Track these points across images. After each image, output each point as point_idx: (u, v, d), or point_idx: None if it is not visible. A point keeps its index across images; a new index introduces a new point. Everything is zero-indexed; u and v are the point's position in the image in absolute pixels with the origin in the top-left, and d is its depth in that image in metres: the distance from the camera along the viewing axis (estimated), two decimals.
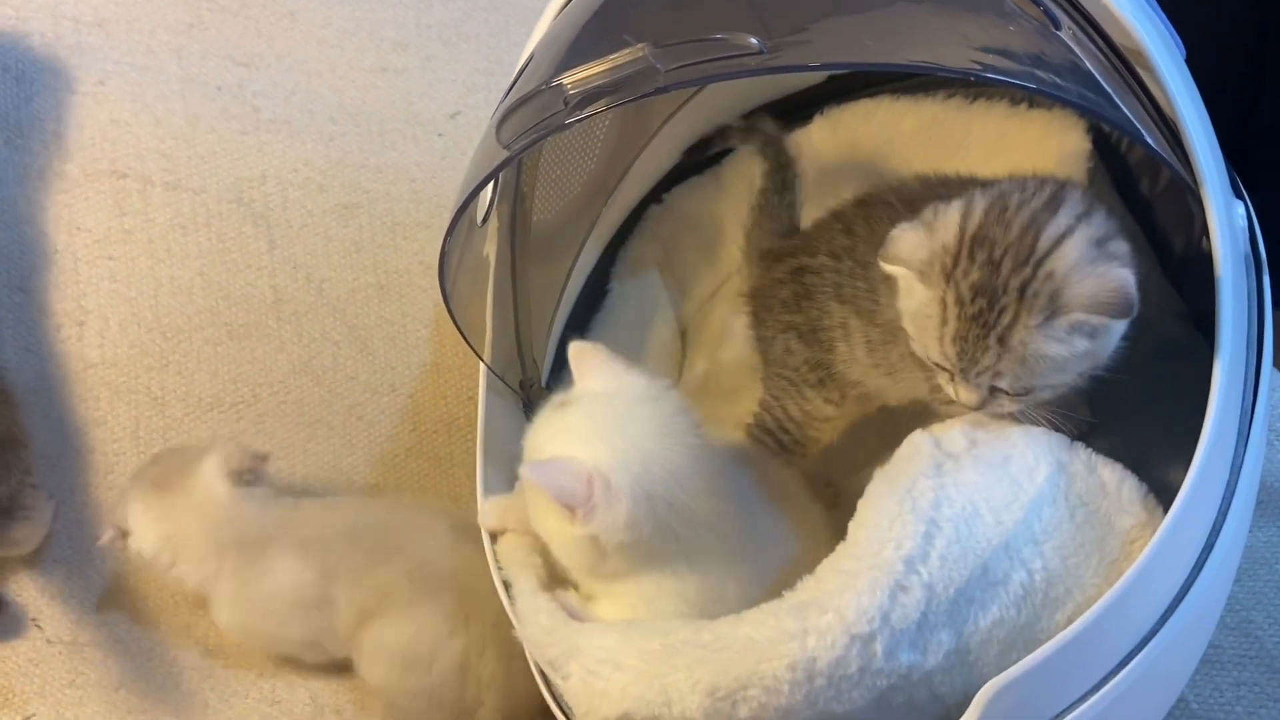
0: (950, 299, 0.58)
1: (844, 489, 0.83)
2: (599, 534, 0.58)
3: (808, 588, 0.56)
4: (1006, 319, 0.57)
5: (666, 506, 0.58)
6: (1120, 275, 0.56)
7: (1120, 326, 0.58)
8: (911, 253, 0.59)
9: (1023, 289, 0.56)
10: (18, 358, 0.93)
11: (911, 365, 0.65)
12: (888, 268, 0.60)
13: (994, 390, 0.59)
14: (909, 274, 0.60)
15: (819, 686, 0.52)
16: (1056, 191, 0.61)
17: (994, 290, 0.57)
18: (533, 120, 0.57)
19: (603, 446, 0.58)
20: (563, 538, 0.60)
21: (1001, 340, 0.57)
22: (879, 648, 0.52)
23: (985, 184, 0.64)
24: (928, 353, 0.60)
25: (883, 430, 0.80)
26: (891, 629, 0.53)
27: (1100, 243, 0.58)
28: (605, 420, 0.60)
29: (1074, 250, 0.57)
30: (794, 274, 0.75)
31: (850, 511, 0.60)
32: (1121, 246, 0.59)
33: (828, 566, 0.56)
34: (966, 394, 0.60)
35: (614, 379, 0.61)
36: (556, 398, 0.63)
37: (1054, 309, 0.56)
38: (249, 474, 0.81)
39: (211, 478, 0.80)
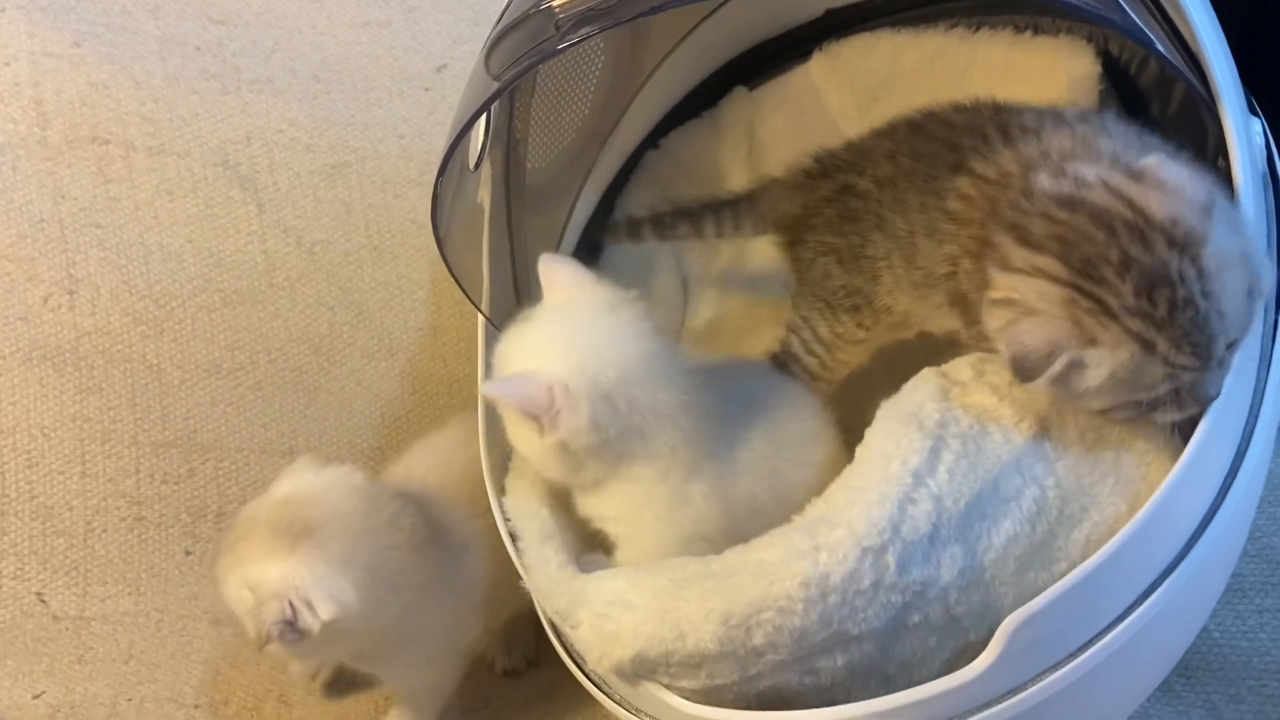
0: (1135, 326, 0.50)
1: (858, 436, 0.83)
2: (567, 439, 0.59)
3: (816, 508, 0.55)
4: (1191, 276, 0.50)
5: (627, 405, 0.60)
6: (1182, 170, 0.53)
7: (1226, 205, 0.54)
8: (1052, 336, 0.51)
9: (1169, 242, 0.50)
10: (9, 326, 0.91)
11: (950, 313, 0.63)
12: (1044, 378, 0.52)
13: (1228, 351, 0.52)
14: (1079, 354, 0.51)
15: (833, 604, 0.51)
16: (1083, 135, 0.57)
17: (1154, 272, 0.50)
18: (523, 47, 0.55)
19: (561, 355, 0.60)
20: (537, 450, 0.61)
21: (1206, 295, 0.50)
22: (891, 560, 0.52)
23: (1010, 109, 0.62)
24: (1154, 391, 0.52)
25: (902, 375, 0.80)
26: (903, 541, 0.52)
27: (1138, 149, 0.55)
28: (564, 330, 0.62)
29: (1155, 174, 0.52)
30: (840, 193, 0.71)
31: None
32: (1150, 139, 0.56)
33: (836, 486, 0.56)
34: (1213, 385, 0.52)
35: (578, 290, 0.63)
36: (523, 314, 0.64)
37: (1197, 236, 0.51)
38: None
39: (344, 474, 0.70)
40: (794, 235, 0.76)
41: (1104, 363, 0.51)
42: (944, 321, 0.66)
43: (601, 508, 0.63)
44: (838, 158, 0.74)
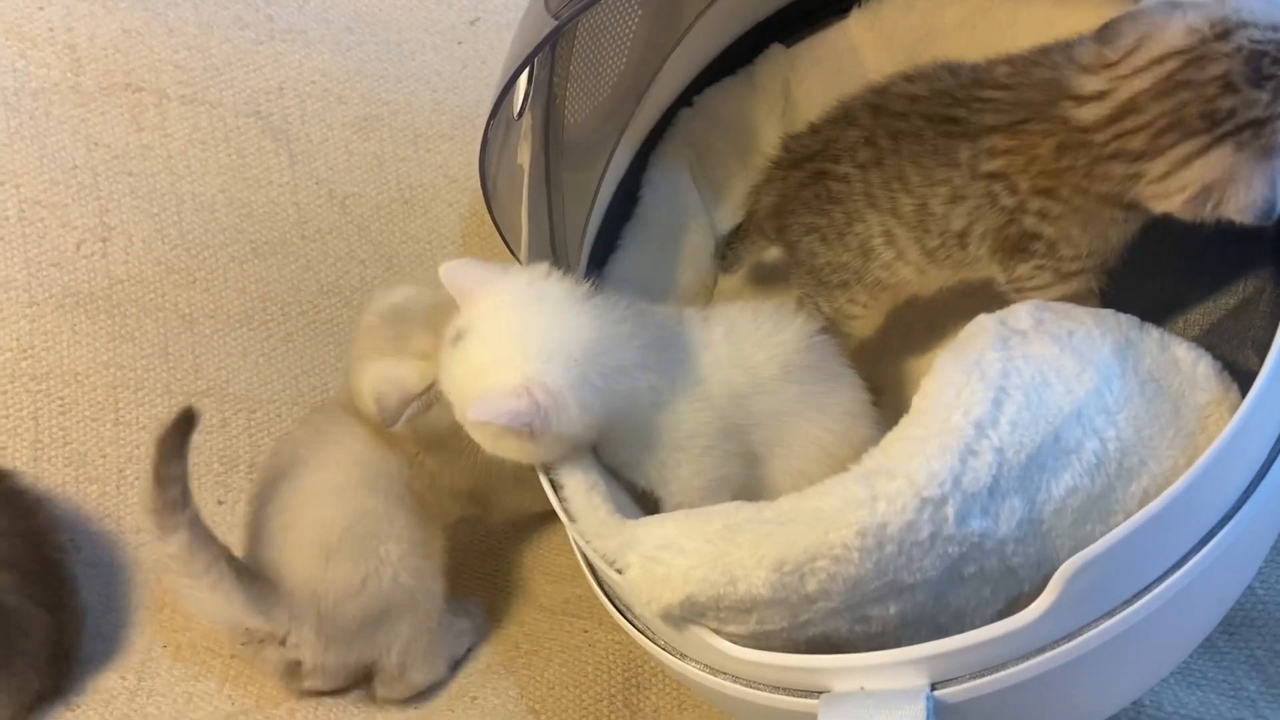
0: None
1: (885, 398, 0.82)
2: (563, 432, 0.59)
3: (874, 458, 0.55)
4: None
5: (602, 378, 0.60)
6: None
7: None
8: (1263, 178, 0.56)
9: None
10: (42, 273, 0.91)
11: (988, 258, 0.65)
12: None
13: None
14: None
15: (889, 554, 0.51)
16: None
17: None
18: None
19: (516, 359, 0.59)
20: (530, 452, 0.61)
21: None
22: (950, 512, 0.51)
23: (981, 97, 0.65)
24: None
25: (932, 336, 0.79)
26: (963, 493, 0.51)
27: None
28: (505, 334, 0.60)
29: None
30: (815, 177, 0.73)
31: (894, 417, 0.58)
32: None
33: (894, 436, 0.55)
34: None
35: (493, 288, 0.61)
36: (448, 334, 0.62)
37: None
38: None
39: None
40: (779, 222, 0.77)
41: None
42: (949, 276, 0.70)
43: (622, 458, 0.63)
44: (804, 145, 0.76)
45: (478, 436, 0.61)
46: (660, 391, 0.62)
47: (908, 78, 0.72)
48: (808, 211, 0.74)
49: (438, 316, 0.67)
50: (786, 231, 0.77)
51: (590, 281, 0.64)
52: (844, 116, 0.73)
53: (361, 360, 0.74)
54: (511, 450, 0.61)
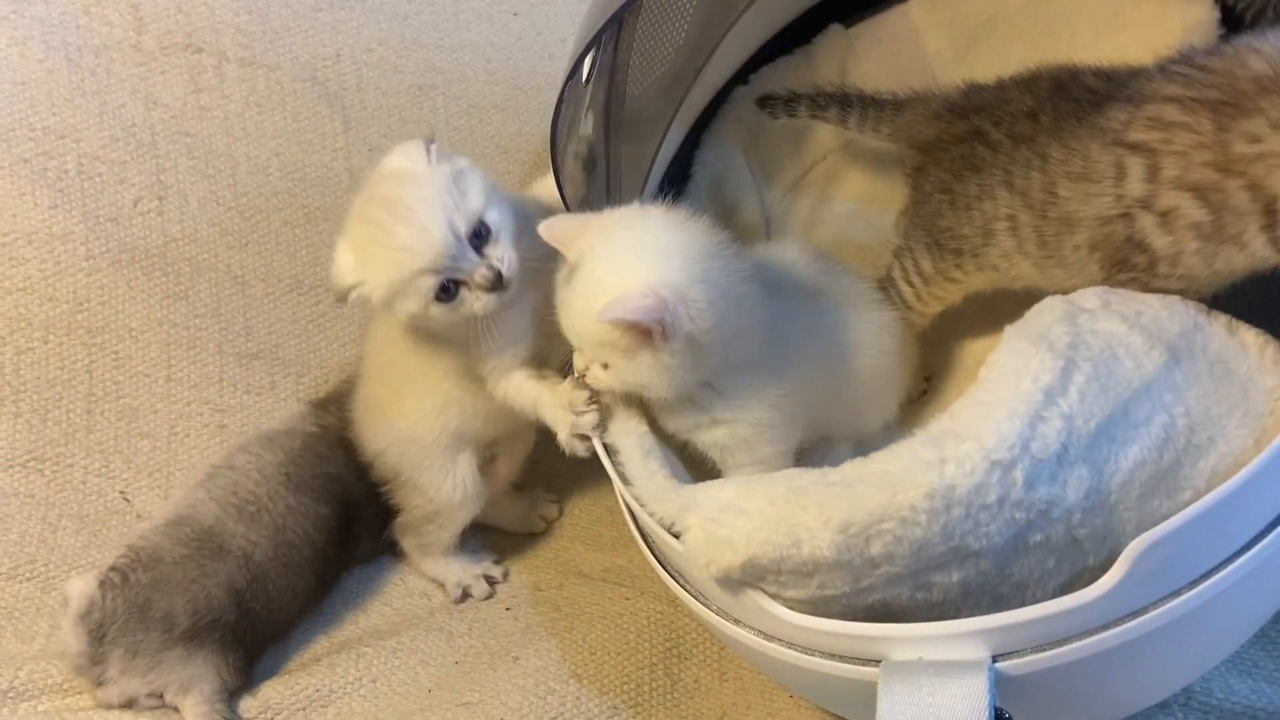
0: None
1: (936, 386, 0.82)
2: (692, 330, 0.59)
3: (940, 422, 0.54)
4: None
5: (722, 275, 0.61)
6: None
7: None
8: None
9: None
10: (100, 228, 0.92)
11: (1087, 255, 0.63)
12: None
13: None
14: None
15: (956, 517, 0.51)
16: None
17: None
18: None
19: (637, 267, 0.60)
20: (661, 366, 0.60)
21: None
22: (1019, 476, 0.51)
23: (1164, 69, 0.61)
24: None
25: (985, 321, 0.79)
26: (1032, 457, 0.51)
27: None
28: (620, 250, 0.61)
29: None
30: (972, 135, 0.71)
31: (940, 406, 0.58)
32: None
33: (962, 403, 0.55)
34: None
35: (596, 223, 0.63)
36: (559, 279, 0.63)
37: None
38: None
39: None
40: (921, 160, 0.75)
41: None
42: (1077, 279, 0.65)
43: (717, 412, 0.63)
44: (982, 96, 0.73)
45: (610, 357, 0.61)
46: (766, 333, 0.63)
47: (1096, 74, 0.68)
48: (950, 170, 0.72)
49: (385, 215, 0.66)
50: (922, 175, 0.74)
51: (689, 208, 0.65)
52: (1027, 81, 0.71)
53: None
54: (645, 367, 0.60)
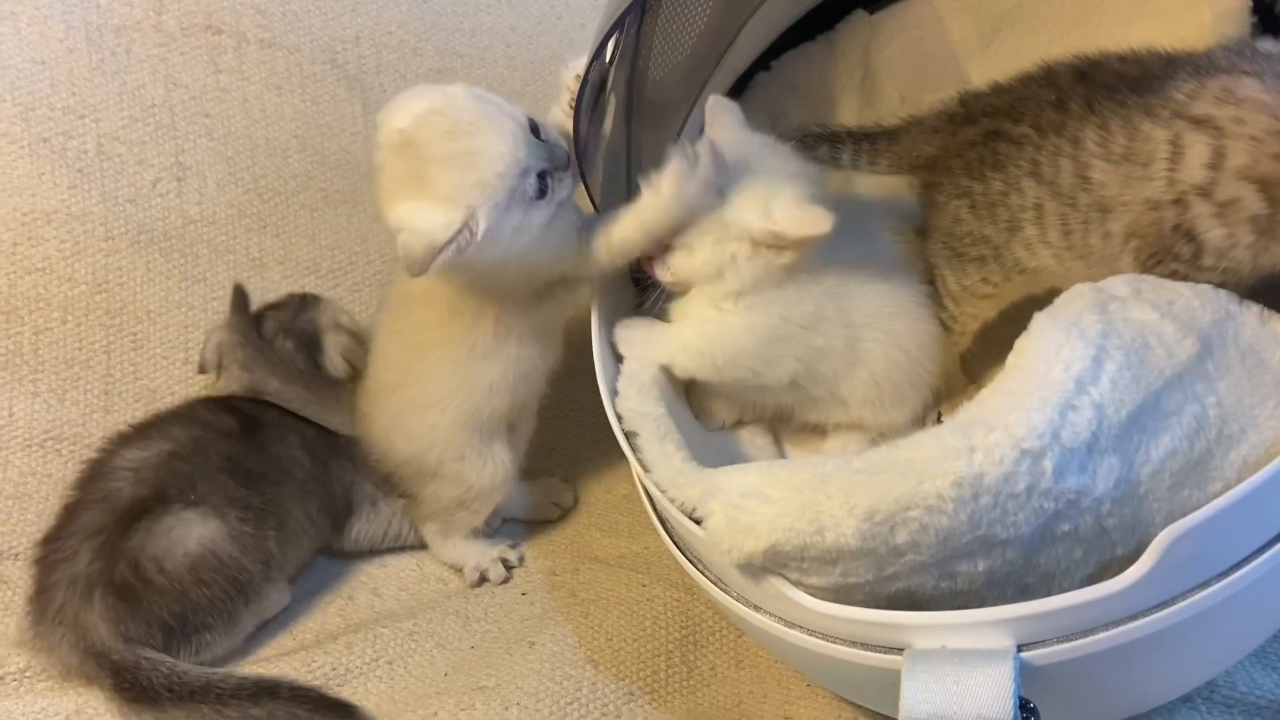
0: None
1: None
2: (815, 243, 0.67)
3: (969, 410, 0.54)
4: None
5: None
6: None
7: None
8: None
9: None
10: (119, 208, 0.92)
11: (1120, 245, 0.62)
12: None
13: None
14: None
15: (984, 505, 0.50)
16: None
17: None
18: None
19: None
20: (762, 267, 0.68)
21: None
22: (1049, 465, 0.50)
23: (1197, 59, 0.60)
24: None
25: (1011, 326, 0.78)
26: (1062, 446, 0.51)
27: None
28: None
29: None
30: (987, 137, 0.70)
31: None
32: None
33: (990, 391, 0.54)
34: None
35: (737, 133, 0.73)
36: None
37: None
38: None
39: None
40: (930, 177, 0.75)
41: None
42: (1095, 271, 0.63)
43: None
44: (986, 101, 0.72)
45: (743, 250, 0.68)
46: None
47: (1121, 59, 0.67)
48: (966, 174, 0.71)
49: (453, 146, 0.63)
50: (936, 190, 0.74)
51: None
52: (1044, 77, 0.69)
53: (389, 204, 0.66)
54: (759, 265, 0.67)
